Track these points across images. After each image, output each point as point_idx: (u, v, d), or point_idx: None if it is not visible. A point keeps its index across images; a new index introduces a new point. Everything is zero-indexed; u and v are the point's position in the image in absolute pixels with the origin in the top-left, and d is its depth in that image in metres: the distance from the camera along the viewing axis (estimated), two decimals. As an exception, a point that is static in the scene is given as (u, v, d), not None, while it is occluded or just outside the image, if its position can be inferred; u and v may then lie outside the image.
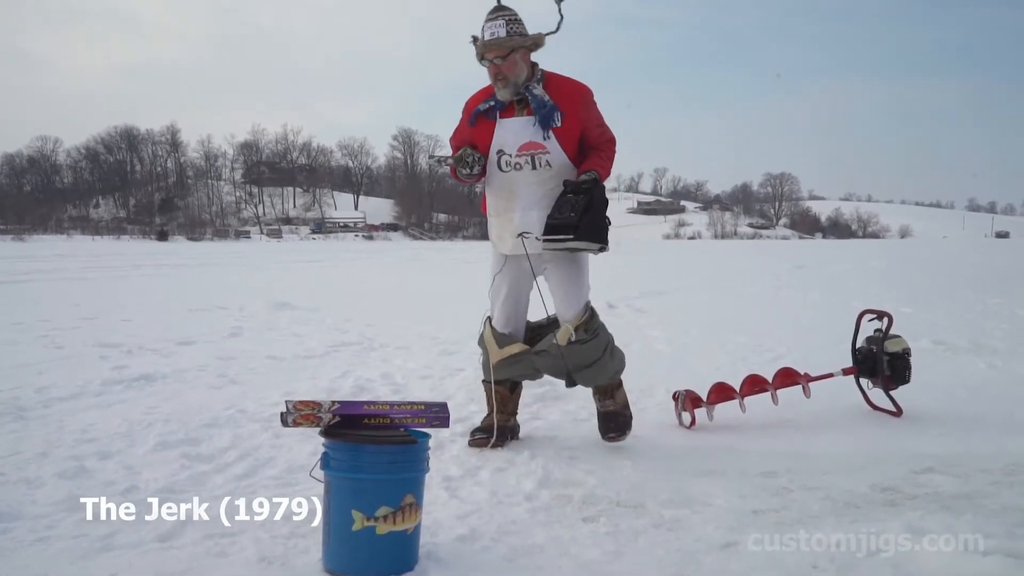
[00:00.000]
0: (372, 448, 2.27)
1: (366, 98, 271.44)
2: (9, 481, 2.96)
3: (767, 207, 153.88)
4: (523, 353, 3.54)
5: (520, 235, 3.38)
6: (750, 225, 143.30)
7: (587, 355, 3.44)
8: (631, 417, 3.59)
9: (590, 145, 3.40)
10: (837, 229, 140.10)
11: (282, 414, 2.35)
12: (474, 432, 3.55)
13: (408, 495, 2.29)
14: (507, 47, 3.23)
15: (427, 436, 2.41)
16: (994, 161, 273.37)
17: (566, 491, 2.96)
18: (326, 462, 2.30)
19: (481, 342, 3.67)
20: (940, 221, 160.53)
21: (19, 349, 5.99)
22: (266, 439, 3.54)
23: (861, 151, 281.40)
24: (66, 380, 4.70)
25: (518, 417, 3.74)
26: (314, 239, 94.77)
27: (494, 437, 3.49)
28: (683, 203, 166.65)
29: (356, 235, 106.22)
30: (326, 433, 2.34)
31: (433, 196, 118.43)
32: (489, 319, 3.64)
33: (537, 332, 3.66)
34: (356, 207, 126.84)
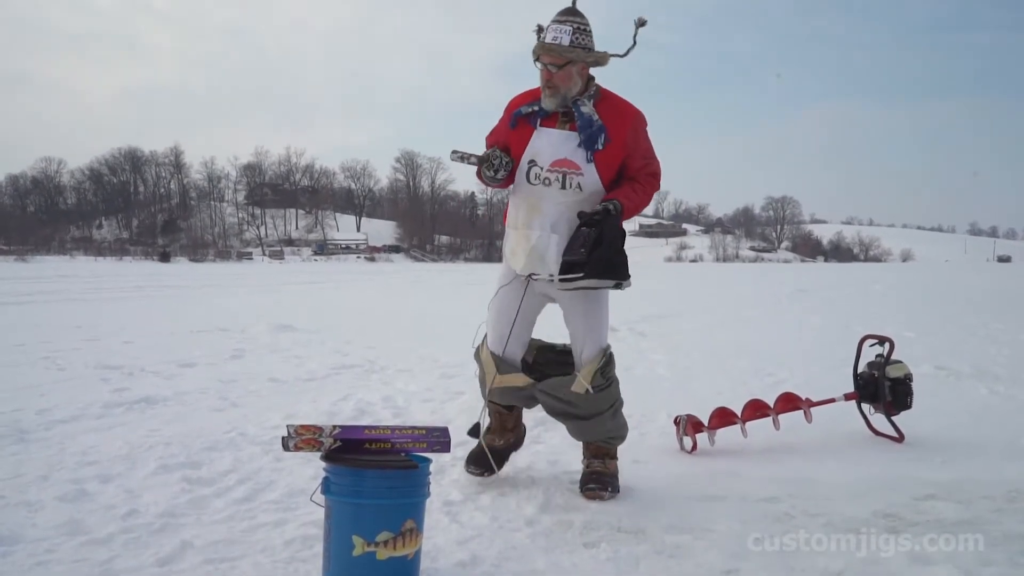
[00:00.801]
0: (373, 473, 2.27)
1: (369, 120, 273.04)
2: (9, 504, 2.95)
3: (769, 230, 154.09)
4: (525, 387, 3.27)
5: (529, 276, 3.15)
6: (752, 248, 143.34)
7: (596, 405, 3.19)
8: (618, 485, 3.22)
9: (628, 175, 3.13)
10: (839, 253, 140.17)
11: (283, 438, 2.35)
12: (467, 464, 3.34)
13: (409, 520, 2.28)
14: (565, 58, 2.97)
15: (428, 461, 2.41)
16: (996, 186, 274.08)
17: (567, 516, 2.95)
18: (327, 487, 2.30)
19: (478, 357, 3.41)
20: (942, 245, 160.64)
21: (20, 371, 6.00)
22: (267, 462, 3.54)
23: (863, 175, 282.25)
24: (67, 402, 4.70)
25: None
26: (316, 260, 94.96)
27: (493, 469, 3.30)
28: (685, 226, 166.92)
29: (358, 257, 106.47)
30: (327, 457, 2.34)
31: (435, 218, 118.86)
32: (487, 338, 3.36)
33: (546, 352, 3.43)
34: (358, 229, 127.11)
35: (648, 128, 3.19)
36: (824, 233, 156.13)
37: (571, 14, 3.01)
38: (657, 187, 3.21)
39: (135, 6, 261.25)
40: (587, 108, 3.03)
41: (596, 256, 2.91)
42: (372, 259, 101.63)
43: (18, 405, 4.60)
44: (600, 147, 3.02)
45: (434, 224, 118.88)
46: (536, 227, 3.09)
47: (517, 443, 3.51)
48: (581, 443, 3.34)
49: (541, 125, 3.09)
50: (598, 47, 3.05)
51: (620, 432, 3.32)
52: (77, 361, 6.43)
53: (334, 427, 2.38)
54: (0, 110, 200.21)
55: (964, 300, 16.38)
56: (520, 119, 3.12)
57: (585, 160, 3.03)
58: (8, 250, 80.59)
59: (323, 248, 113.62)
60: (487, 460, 3.29)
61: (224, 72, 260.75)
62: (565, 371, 3.28)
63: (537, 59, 3.04)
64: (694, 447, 3.87)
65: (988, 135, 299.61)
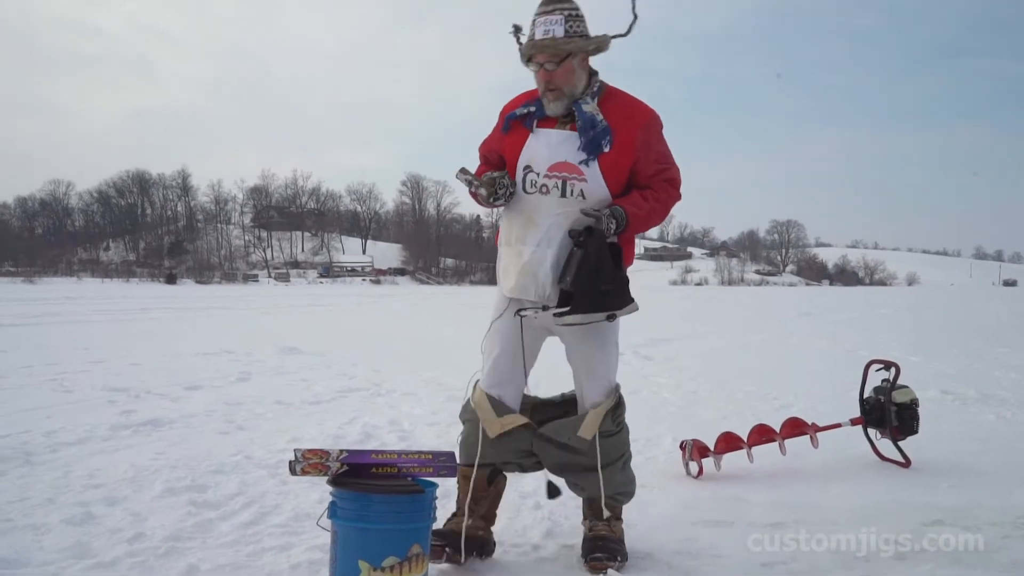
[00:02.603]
0: (379, 498, 2.27)
1: (375, 144, 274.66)
2: (16, 527, 2.96)
3: (774, 254, 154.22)
4: (526, 429, 2.80)
5: (518, 312, 2.71)
6: (757, 272, 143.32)
7: (605, 453, 2.78)
8: (626, 552, 2.76)
9: (640, 183, 2.70)
10: (844, 276, 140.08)
11: (290, 462, 2.36)
12: (434, 534, 2.55)
13: (415, 545, 2.29)
14: (564, 51, 2.56)
15: (434, 485, 2.41)
16: (1001, 209, 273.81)
17: (573, 541, 2.94)
18: (333, 511, 2.30)
19: (466, 413, 2.89)
20: (947, 269, 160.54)
21: (27, 393, 6.01)
22: (272, 486, 3.54)
23: (867, 199, 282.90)
24: (74, 424, 4.71)
25: (494, 529, 2.87)
26: (322, 283, 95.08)
27: (462, 553, 2.66)
28: (690, 249, 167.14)
29: (363, 279, 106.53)
30: (334, 482, 2.34)
31: (440, 241, 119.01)
32: (479, 380, 2.88)
33: (544, 409, 2.95)
34: (364, 251, 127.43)
35: (664, 131, 2.76)
36: (829, 256, 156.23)
37: (558, 1, 2.59)
38: (676, 196, 2.78)
39: (145, 30, 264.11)
40: (590, 107, 2.64)
41: (580, 284, 2.52)
42: (377, 282, 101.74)
43: (25, 427, 4.61)
44: (606, 149, 2.61)
45: (439, 247, 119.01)
46: (530, 243, 2.67)
47: (484, 548, 2.78)
48: (581, 499, 2.92)
49: (538, 126, 2.71)
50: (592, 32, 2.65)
51: (629, 487, 2.90)
52: (84, 383, 6.44)
53: (341, 451, 2.39)
54: (9, 132, 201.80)
55: (970, 324, 16.34)
56: (514, 122, 2.75)
57: (588, 164, 2.63)
58: (16, 271, 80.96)
59: (328, 271, 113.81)
60: (455, 536, 2.70)
61: (232, 95, 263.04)
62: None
63: (529, 60, 2.65)
64: (700, 472, 3.86)
65: (993, 158, 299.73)
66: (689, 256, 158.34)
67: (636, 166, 2.67)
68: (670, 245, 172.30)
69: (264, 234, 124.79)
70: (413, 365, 7.98)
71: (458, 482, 2.84)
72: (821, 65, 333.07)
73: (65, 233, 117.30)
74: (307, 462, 2.33)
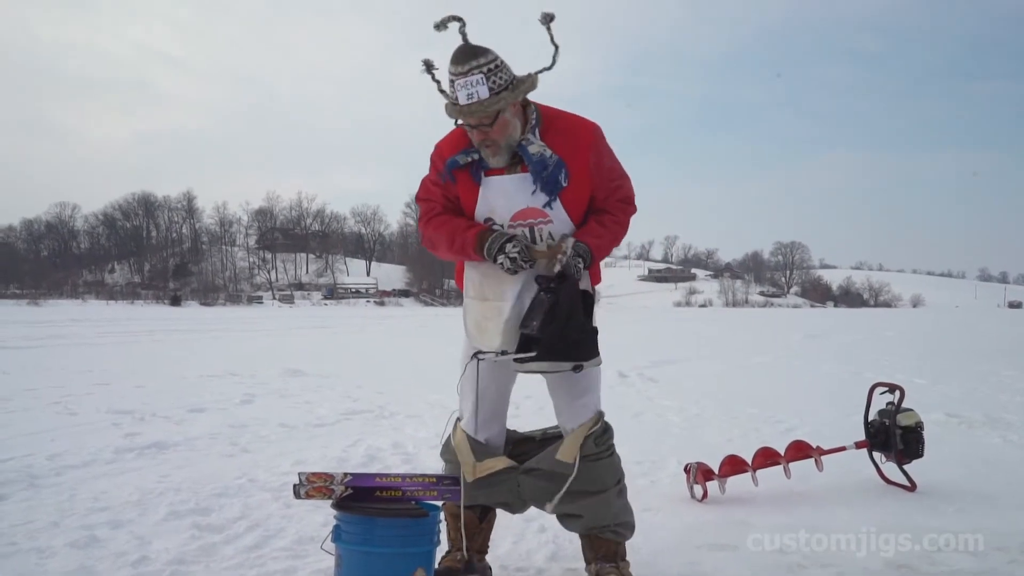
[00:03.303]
0: (384, 522, 2.28)
1: (380, 166, 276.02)
2: (21, 550, 2.96)
3: (778, 275, 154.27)
4: (508, 471, 2.72)
5: (475, 355, 2.61)
6: (761, 293, 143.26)
7: (598, 477, 2.66)
8: None
9: (597, 207, 2.60)
10: (848, 298, 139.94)
11: (295, 486, 2.36)
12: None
13: (419, 569, 2.29)
14: (493, 111, 2.40)
15: (438, 509, 2.42)
16: (1006, 231, 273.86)
17: (577, 565, 2.93)
18: (337, 535, 2.31)
19: (447, 452, 2.84)
20: (952, 291, 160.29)
21: (32, 415, 6.02)
22: (276, 509, 3.54)
23: (872, 220, 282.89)
24: (78, 447, 4.72)
25: (488, 558, 2.85)
26: (326, 305, 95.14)
27: None
28: (694, 271, 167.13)
29: (368, 301, 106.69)
30: (338, 505, 2.35)
31: (445, 263, 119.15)
32: (459, 420, 2.82)
33: (523, 447, 2.86)
34: (368, 273, 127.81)
35: (605, 137, 2.63)
36: (834, 278, 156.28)
37: (472, 57, 2.38)
38: (632, 211, 2.69)
39: (152, 54, 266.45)
40: (535, 147, 2.48)
41: (550, 334, 2.38)
42: (382, 303, 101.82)
43: (29, 450, 4.62)
44: (564, 184, 2.49)
45: (443, 269, 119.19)
46: (509, 297, 2.53)
47: (486, 572, 2.78)
48: (580, 539, 2.77)
49: (487, 175, 2.54)
50: (505, 53, 2.45)
51: (628, 517, 2.76)
52: (88, 406, 6.45)
53: (345, 475, 2.39)
54: (16, 155, 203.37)
55: (975, 347, 16.30)
56: (457, 172, 2.56)
57: (551, 205, 2.51)
58: (22, 294, 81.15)
59: (333, 292, 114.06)
60: (454, 573, 2.66)
61: (238, 118, 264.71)
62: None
63: (456, 121, 2.51)
64: (705, 495, 3.85)
65: (998, 180, 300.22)
66: (693, 278, 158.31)
67: (593, 192, 2.58)
68: (674, 267, 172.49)
69: (268, 256, 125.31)
70: (417, 387, 7.98)
71: (446, 518, 2.75)
72: (826, 87, 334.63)
73: (70, 255, 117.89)
74: (311, 485, 2.34)
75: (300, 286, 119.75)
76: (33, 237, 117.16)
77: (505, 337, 2.52)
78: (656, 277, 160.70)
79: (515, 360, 2.45)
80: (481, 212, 2.57)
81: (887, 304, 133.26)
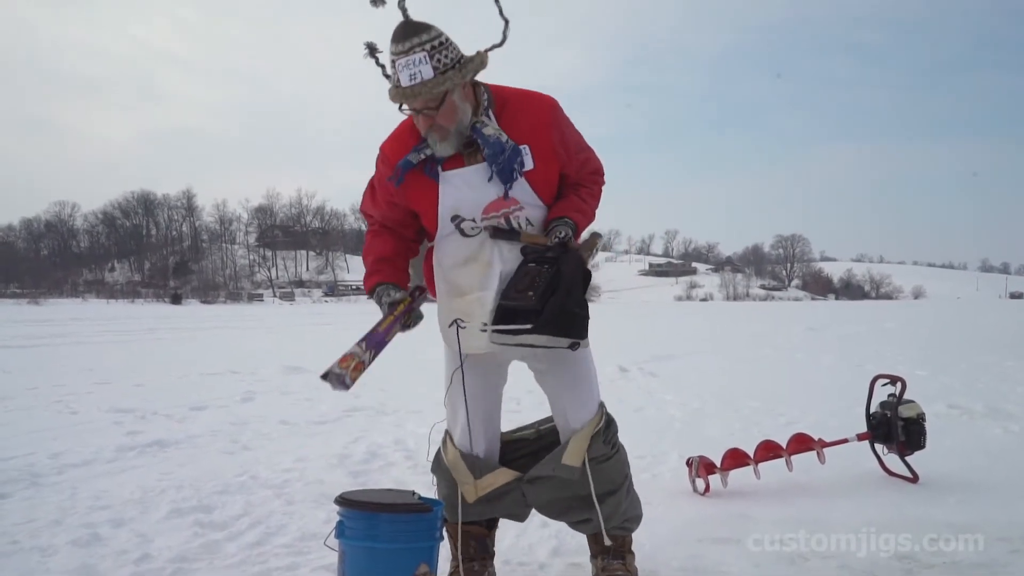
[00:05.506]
0: (387, 517, 2.27)
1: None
2: (23, 549, 2.96)
3: (779, 268, 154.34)
4: (512, 483, 2.57)
5: (454, 322, 2.45)
6: (762, 287, 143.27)
7: (608, 478, 2.52)
8: None
9: (568, 182, 2.44)
10: (849, 290, 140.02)
11: (334, 378, 2.22)
12: None
13: (422, 565, 2.29)
14: (439, 93, 2.18)
15: (441, 504, 2.42)
16: (1007, 222, 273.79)
17: (579, 559, 2.93)
18: (340, 531, 2.31)
19: (440, 469, 2.67)
20: (953, 282, 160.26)
21: (33, 414, 6.03)
22: (278, 506, 3.54)
23: (873, 213, 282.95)
24: (80, 446, 4.72)
25: (495, 562, 2.75)
26: (326, 302, 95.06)
27: None
28: (695, 265, 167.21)
29: (368, 298, 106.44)
30: (340, 501, 2.35)
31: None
32: (450, 436, 2.67)
33: (517, 447, 2.71)
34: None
35: (563, 109, 2.41)
36: (834, 271, 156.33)
37: (413, 34, 2.16)
38: (603, 182, 2.55)
39: (152, 53, 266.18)
40: (490, 129, 2.27)
41: (552, 305, 2.17)
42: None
43: (31, 449, 4.62)
44: (529, 166, 2.30)
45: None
46: (491, 287, 2.35)
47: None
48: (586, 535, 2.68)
49: (444, 170, 2.32)
50: (453, 34, 2.24)
51: (636, 511, 2.67)
52: (90, 404, 6.46)
53: (358, 344, 2.33)
54: (16, 154, 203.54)
55: (976, 338, 16.29)
56: (410, 173, 2.34)
57: (507, 195, 2.32)
58: (22, 293, 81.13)
59: (333, 289, 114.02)
60: None
61: (238, 116, 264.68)
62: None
63: (400, 106, 2.27)
64: (707, 489, 3.85)
65: (999, 170, 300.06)
66: (694, 272, 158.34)
67: (563, 168, 2.40)
68: (675, 261, 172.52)
69: (269, 253, 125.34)
70: (418, 383, 7.97)
71: (448, 532, 2.63)
72: (826, 80, 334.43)
73: (70, 254, 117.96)
74: (348, 370, 2.24)
75: (301, 283, 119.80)
76: (33, 236, 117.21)
77: (489, 334, 2.33)
78: (657, 271, 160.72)
79: (507, 332, 2.23)
80: (445, 211, 2.37)
81: (888, 296, 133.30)
